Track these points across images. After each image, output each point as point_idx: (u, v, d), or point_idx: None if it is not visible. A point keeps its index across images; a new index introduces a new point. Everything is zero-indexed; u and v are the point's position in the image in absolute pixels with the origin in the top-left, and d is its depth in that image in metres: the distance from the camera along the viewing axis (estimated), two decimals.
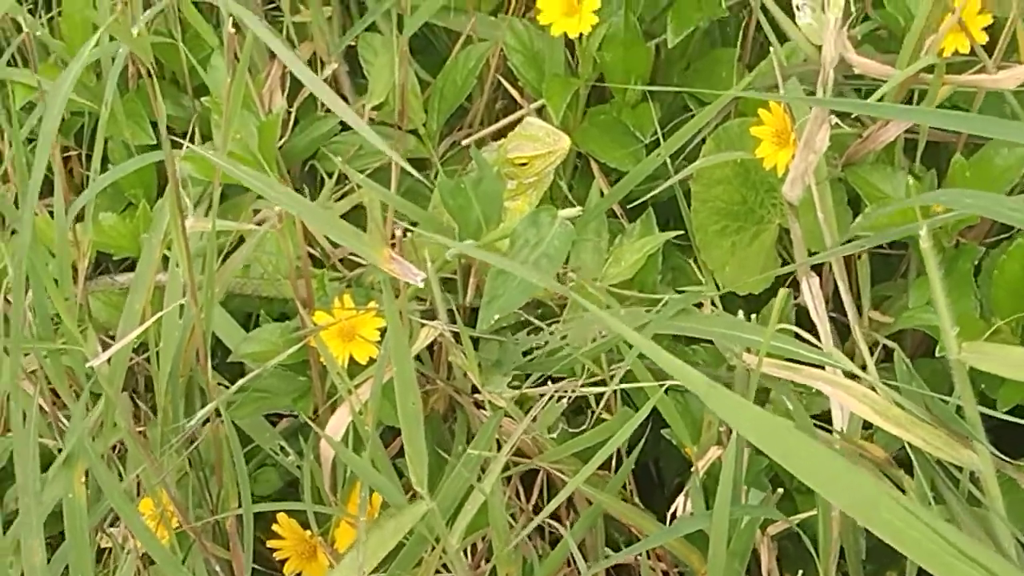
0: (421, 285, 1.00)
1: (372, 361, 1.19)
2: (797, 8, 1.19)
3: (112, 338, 1.38)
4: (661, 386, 1.06)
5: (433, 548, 1.08)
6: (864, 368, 1.07)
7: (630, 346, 1.09)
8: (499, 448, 1.15)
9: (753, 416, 0.76)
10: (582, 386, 1.14)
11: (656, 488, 1.43)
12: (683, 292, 1.26)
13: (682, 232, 1.31)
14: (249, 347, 1.26)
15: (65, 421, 1.24)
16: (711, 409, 0.83)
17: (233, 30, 1.17)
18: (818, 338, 1.17)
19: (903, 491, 1.08)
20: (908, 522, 0.74)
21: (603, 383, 1.15)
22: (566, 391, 1.15)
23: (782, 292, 0.98)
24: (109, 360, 1.12)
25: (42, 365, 1.16)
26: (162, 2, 1.38)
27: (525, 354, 1.18)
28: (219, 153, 1.20)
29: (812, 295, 1.22)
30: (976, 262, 1.21)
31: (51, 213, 1.30)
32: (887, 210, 1.17)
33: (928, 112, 1.12)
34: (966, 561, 0.74)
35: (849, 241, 1.23)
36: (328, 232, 1.03)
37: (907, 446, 1.03)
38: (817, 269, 1.25)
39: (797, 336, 1.08)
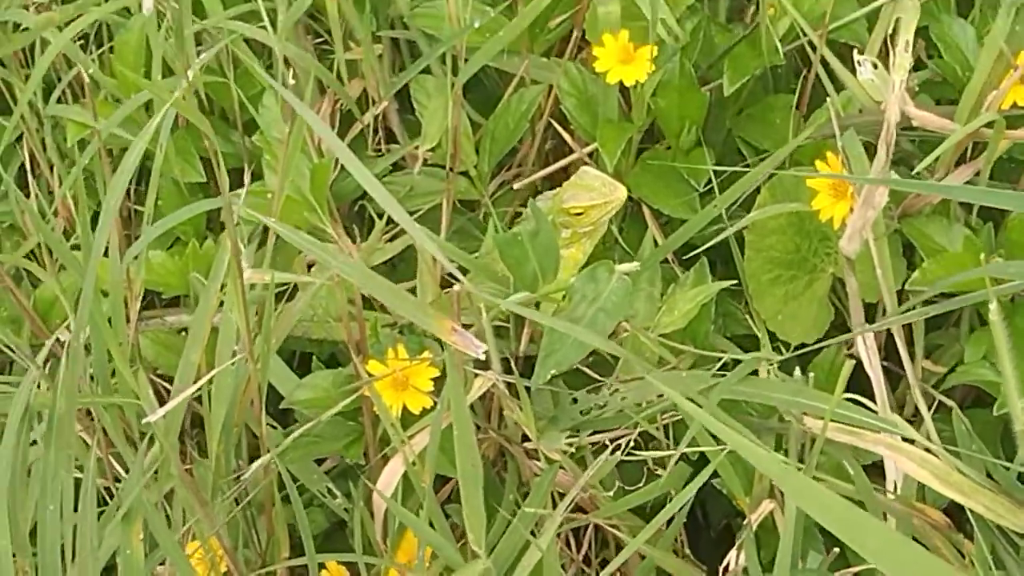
0: (483, 357, 1.00)
1: (425, 411, 1.19)
2: (858, 63, 1.19)
3: (160, 376, 1.39)
4: (720, 449, 1.05)
5: None
6: (922, 430, 1.06)
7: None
8: (551, 500, 1.15)
9: (820, 497, 0.76)
10: (636, 446, 1.13)
11: (702, 530, 1.42)
12: (732, 341, 1.26)
13: (735, 281, 1.30)
14: (302, 394, 1.26)
15: (115, 463, 1.24)
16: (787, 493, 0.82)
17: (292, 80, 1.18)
18: (872, 391, 1.17)
19: (962, 554, 1.07)
20: None
21: (650, 440, 1.14)
22: (620, 445, 1.15)
23: (847, 364, 0.97)
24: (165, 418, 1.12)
25: (98, 415, 1.15)
26: (216, 46, 1.37)
27: (582, 412, 1.17)
28: (274, 204, 1.21)
29: (867, 349, 1.22)
30: None
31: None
32: (955, 279, 1.16)
33: (982, 191, 1.11)
34: None
35: (902, 290, 1.23)
36: (385, 300, 1.02)
37: (968, 512, 1.03)
38: (869, 316, 1.25)
39: (855, 401, 1.07)
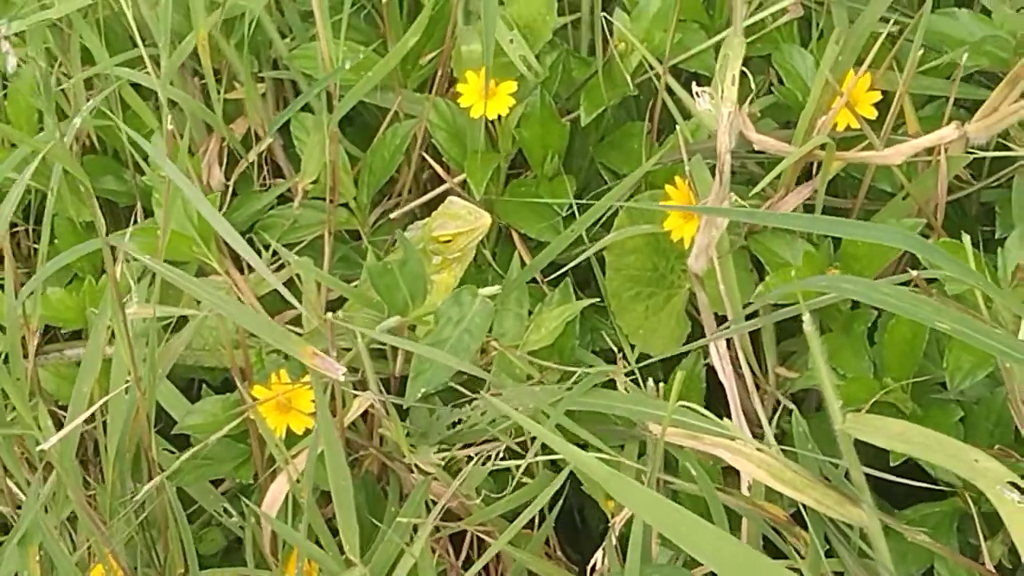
0: (342, 379, 1.08)
1: (308, 431, 1.27)
2: (696, 95, 1.27)
3: (61, 408, 1.46)
4: (569, 465, 1.13)
5: None
6: (763, 435, 1.15)
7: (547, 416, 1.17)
8: (429, 509, 1.23)
9: (645, 499, 0.85)
10: (503, 454, 1.22)
11: (581, 535, 1.51)
12: (599, 355, 1.35)
13: (599, 299, 1.39)
14: (192, 420, 1.34)
15: (15, 488, 1.31)
16: (616, 497, 0.91)
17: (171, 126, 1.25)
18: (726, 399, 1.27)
19: (799, 551, 1.16)
20: None
21: (524, 448, 1.23)
22: (489, 456, 1.23)
23: (679, 372, 1.06)
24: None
25: None
26: (106, 91, 1.45)
27: (450, 426, 1.25)
28: (161, 239, 1.28)
29: (719, 357, 1.30)
30: (869, 325, 1.29)
31: None
32: (782, 289, 1.25)
33: (802, 218, 1.21)
34: None
35: (749, 307, 1.32)
36: (254, 329, 1.10)
37: (802, 506, 1.12)
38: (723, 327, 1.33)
39: (707, 405, 1.16)
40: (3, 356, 1.27)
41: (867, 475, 1.09)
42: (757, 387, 1.31)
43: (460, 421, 1.25)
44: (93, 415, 1.27)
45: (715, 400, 1.32)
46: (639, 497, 0.85)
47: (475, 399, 1.24)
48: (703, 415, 1.14)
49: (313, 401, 1.26)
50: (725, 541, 0.85)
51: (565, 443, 0.87)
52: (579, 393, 1.15)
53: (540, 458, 1.15)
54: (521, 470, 1.22)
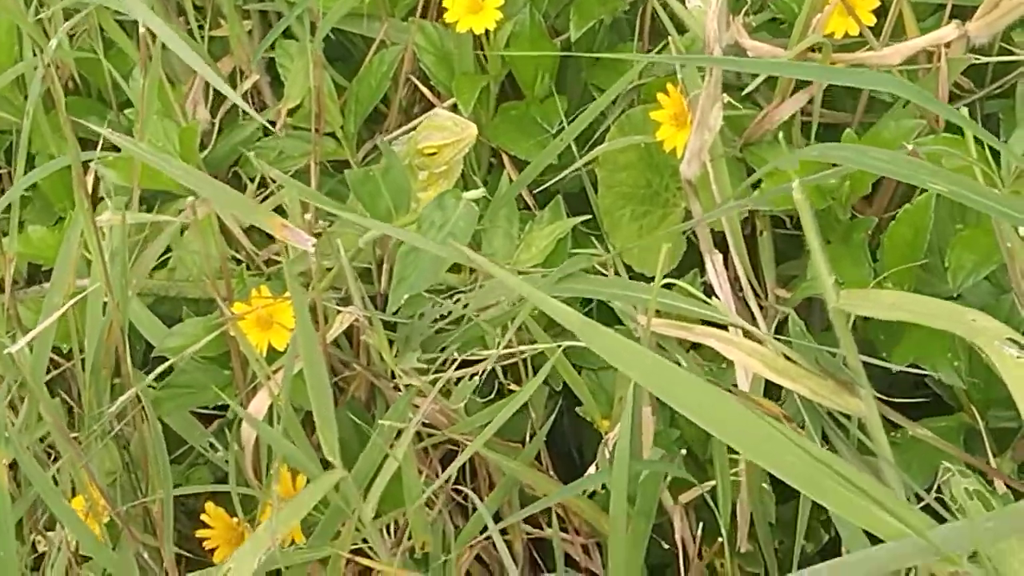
0: (311, 250, 1.05)
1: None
2: None
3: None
4: (559, 347, 1.10)
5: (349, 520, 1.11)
6: (756, 326, 1.11)
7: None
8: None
9: (626, 348, 0.81)
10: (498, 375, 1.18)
11: (579, 472, 1.46)
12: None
13: (590, 217, 1.35)
14: (172, 341, 1.29)
15: None
16: (591, 347, 0.86)
17: (149, 38, 1.22)
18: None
19: None
20: (793, 452, 0.78)
21: (511, 357, 1.19)
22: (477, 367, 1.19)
23: (664, 249, 1.02)
24: (32, 351, 1.16)
25: None
26: (82, 13, 1.42)
27: (432, 325, 1.21)
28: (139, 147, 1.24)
29: (716, 272, 1.26)
30: (870, 232, 1.25)
31: None
32: (781, 188, 1.21)
33: (805, 67, 1.17)
34: (855, 492, 0.79)
35: (752, 220, 1.28)
36: (228, 207, 1.07)
37: (798, 399, 1.08)
38: (722, 249, 1.29)
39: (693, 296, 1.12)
40: None
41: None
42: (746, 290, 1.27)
43: (442, 316, 1.21)
44: (69, 350, 1.24)
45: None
46: (620, 348, 0.81)
47: (458, 292, 1.20)
48: (694, 296, 1.09)
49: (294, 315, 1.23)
50: (724, 401, 0.81)
51: (549, 300, 0.83)
52: (560, 275, 1.10)
53: (522, 348, 1.10)
54: (512, 379, 1.19)
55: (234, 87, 1.55)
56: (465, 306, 1.17)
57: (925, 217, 1.19)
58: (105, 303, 1.19)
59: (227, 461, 1.33)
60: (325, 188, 1.49)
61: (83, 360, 1.23)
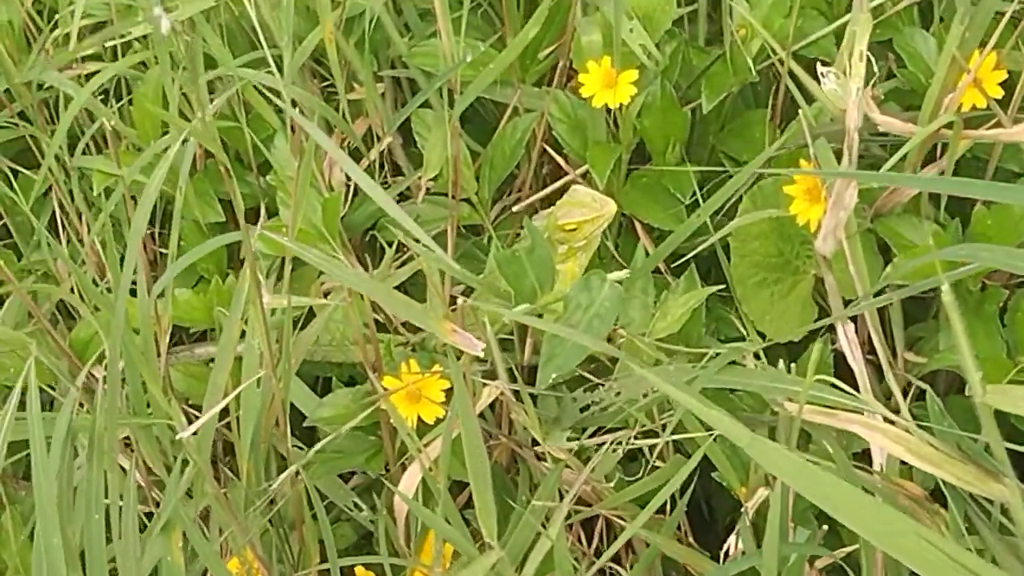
0: (481, 354, 1.09)
1: (439, 420, 1.27)
2: (822, 75, 1.27)
3: (192, 407, 1.48)
4: (710, 435, 1.14)
5: None
6: (898, 412, 1.14)
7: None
8: (561, 498, 1.23)
9: (790, 463, 0.85)
10: (636, 437, 1.21)
11: (709, 527, 1.50)
12: (727, 344, 1.34)
13: (723, 286, 1.38)
14: (324, 412, 1.35)
15: (154, 491, 1.33)
16: (758, 461, 0.90)
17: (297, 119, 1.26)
18: (856, 383, 1.26)
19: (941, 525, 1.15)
20: (931, 552, 0.82)
21: (655, 434, 1.22)
22: (621, 441, 1.23)
23: (817, 345, 1.05)
24: (196, 432, 1.21)
25: (136, 438, 1.24)
26: (229, 91, 1.47)
27: (582, 410, 1.25)
28: (289, 236, 1.29)
29: (848, 341, 1.30)
30: (1002, 304, 1.28)
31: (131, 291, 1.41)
32: (914, 262, 1.24)
33: (937, 181, 1.20)
34: None
35: (880, 291, 1.31)
36: (391, 307, 1.11)
37: (941, 482, 1.11)
38: (854, 316, 1.33)
39: (834, 385, 1.15)
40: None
41: (1008, 451, 1.08)
42: (886, 371, 1.30)
43: (593, 403, 1.25)
44: (226, 411, 1.29)
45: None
46: (785, 462, 0.85)
47: (608, 381, 1.23)
48: (838, 388, 1.13)
49: (444, 391, 1.27)
50: (876, 508, 0.84)
51: (711, 410, 0.87)
52: (714, 371, 1.14)
53: (673, 437, 1.14)
54: (655, 455, 1.22)
55: (368, 148, 1.60)
56: (617, 394, 1.21)
57: None
58: (260, 372, 1.24)
59: (372, 521, 1.38)
60: (460, 250, 1.54)
61: (238, 421, 1.27)
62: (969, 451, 1.12)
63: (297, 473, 1.26)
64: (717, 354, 1.20)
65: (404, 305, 1.09)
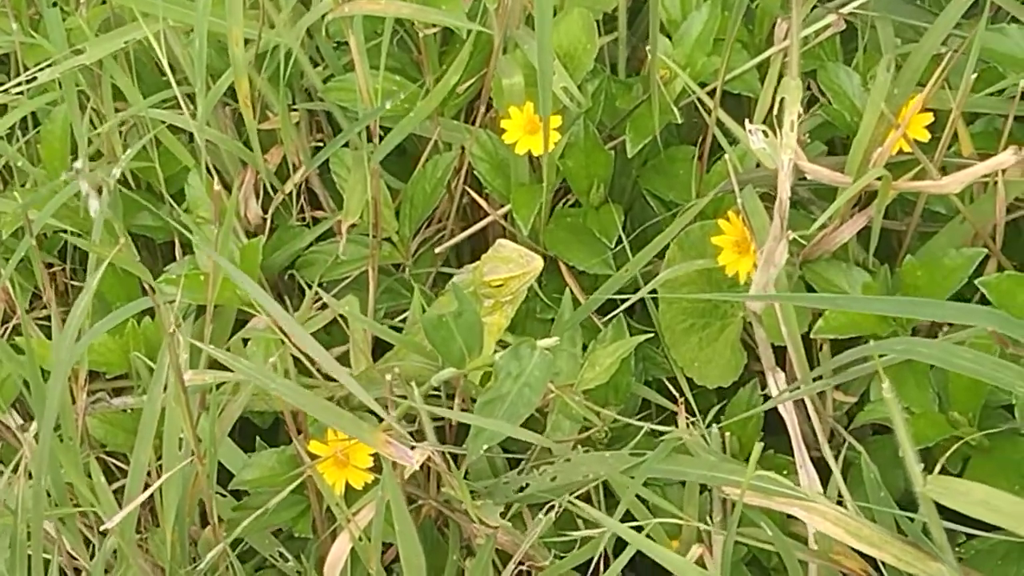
0: (416, 467, 1.07)
1: (367, 486, 1.25)
2: (750, 132, 1.25)
3: (110, 455, 1.45)
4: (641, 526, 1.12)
5: None
6: (840, 496, 1.14)
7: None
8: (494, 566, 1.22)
9: None
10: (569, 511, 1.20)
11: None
12: (651, 401, 1.34)
13: (652, 334, 1.37)
14: (249, 474, 1.32)
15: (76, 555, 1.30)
16: None
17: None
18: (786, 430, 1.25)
19: None
20: None
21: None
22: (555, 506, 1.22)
23: (757, 448, 1.04)
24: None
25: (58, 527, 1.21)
26: (142, 142, 1.43)
27: (517, 490, 1.24)
28: (209, 299, 1.26)
29: (778, 388, 1.29)
30: None
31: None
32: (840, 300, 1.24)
33: (889, 301, 1.20)
34: None
35: (809, 329, 1.30)
36: (330, 423, 1.10)
37: (880, 563, 1.10)
38: (780, 358, 1.32)
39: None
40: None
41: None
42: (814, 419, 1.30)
43: (527, 485, 1.23)
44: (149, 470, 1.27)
45: (771, 424, 1.32)
46: None
47: (542, 464, 1.22)
48: (776, 481, 1.12)
49: (371, 455, 1.25)
50: None
51: (656, 546, 0.86)
52: (654, 461, 1.13)
53: (615, 527, 1.12)
54: (591, 524, 1.21)
55: (282, 178, 1.57)
56: (553, 478, 1.19)
57: (989, 350, 1.20)
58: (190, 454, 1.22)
59: (298, 572, 1.36)
60: (382, 286, 1.51)
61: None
62: (904, 528, 1.11)
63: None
64: (653, 431, 1.19)
65: (336, 416, 1.07)
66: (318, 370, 1.41)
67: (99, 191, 1.26)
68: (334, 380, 1.39)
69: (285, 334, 1.07)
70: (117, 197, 1.53)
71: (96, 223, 1.34)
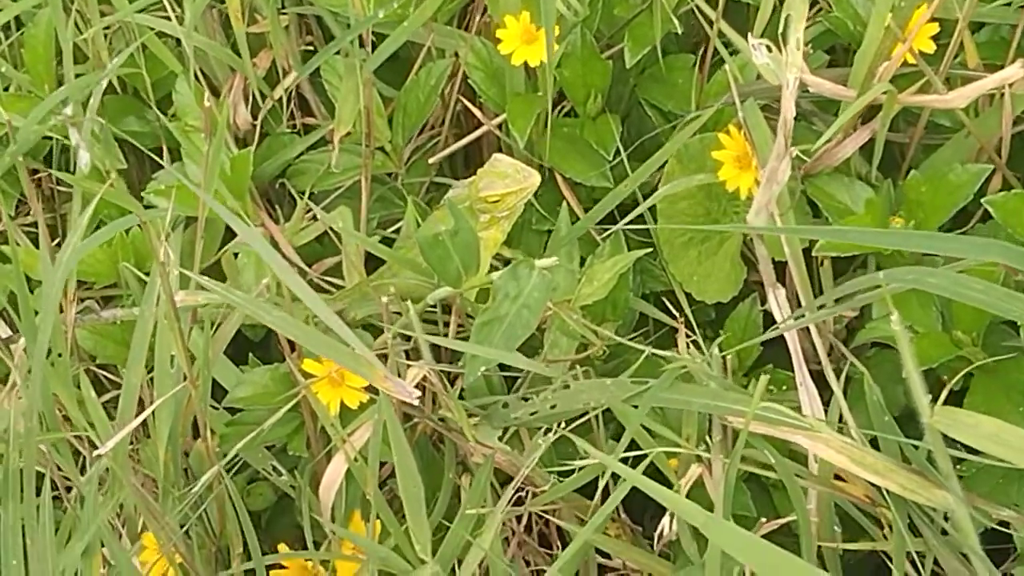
0: (415, 403, 1.05)
1: (363, 405, 1.23)
2: (753, 48, 1.22)
3: (100, 367, 1.43)
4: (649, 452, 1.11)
5: None
6: (841, 419, 1.12)
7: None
8: (493, 487, 1.21)
9: (750, 544, 0.82)
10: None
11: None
12: (650, 316, 1.32)
13: (651, 249, 1.35)
14: (242, 392, 1.30)
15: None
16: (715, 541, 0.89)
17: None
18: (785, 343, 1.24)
19: (881, 524, 1.14)
20: None
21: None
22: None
23: (763, 380, 1.02)
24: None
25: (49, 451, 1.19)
26: (130, 48, 1.40)
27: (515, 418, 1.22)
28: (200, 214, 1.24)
29: (779, 307, 1.27)
30: None
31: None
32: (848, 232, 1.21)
33: (897, 234, 1.18)
34: None
35: (810, 246, 1.28)
36: (321, 352, 1.07)
37: (884, 491, 1.09)
38: (780, 273, 1.30)
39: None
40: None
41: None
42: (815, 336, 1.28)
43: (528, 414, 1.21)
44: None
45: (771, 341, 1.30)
46: (744, 543, 0.83)
47: (542, 391, 1.20)
48: (780, 411, 1.10)
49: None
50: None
51: (664, 489, 0.85)
52: (659, 389, 1.11)
53: (615, 457, 1.11)
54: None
55: (272, 83, 1.53)
56: (552, 406, 1.18)
57: (993, 277, 1.18)
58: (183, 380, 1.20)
59: (292, 487, 1.35)
60: (375, 195, 1.48)
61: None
62: (909, 455, 1.10)
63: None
64: (653, 354, 1.17)
65: (334, 349, 1.04)
66: (310, 282, 1.40)
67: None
68: (329, 291, 1.39)
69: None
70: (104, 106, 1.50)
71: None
